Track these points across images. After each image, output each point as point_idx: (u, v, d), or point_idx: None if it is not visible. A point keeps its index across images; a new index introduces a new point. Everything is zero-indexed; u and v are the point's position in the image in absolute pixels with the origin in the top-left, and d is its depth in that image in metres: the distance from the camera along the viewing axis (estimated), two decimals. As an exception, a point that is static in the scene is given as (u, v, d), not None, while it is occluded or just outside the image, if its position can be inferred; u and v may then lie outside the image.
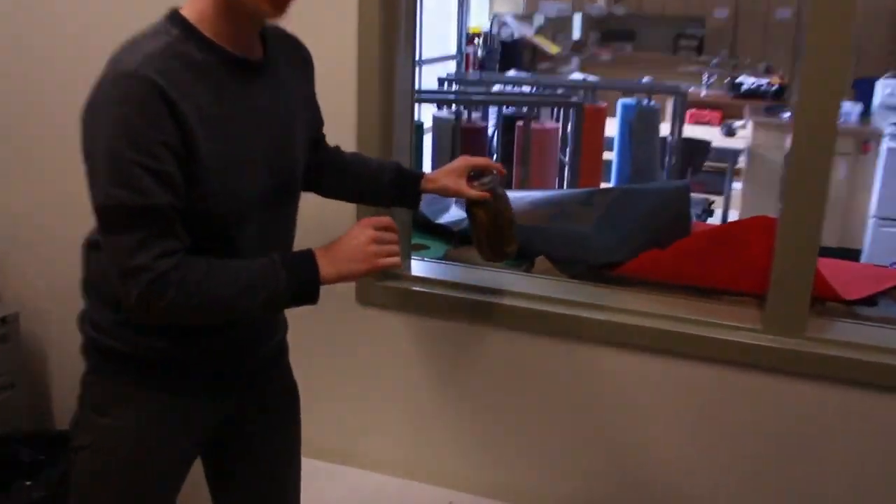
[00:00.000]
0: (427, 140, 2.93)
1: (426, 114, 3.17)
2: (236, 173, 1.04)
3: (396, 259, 1.11)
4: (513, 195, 2.13)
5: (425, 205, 2.06)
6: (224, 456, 1.25)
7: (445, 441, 1.77)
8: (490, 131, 3.16)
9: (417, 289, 1.73)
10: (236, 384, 1.20)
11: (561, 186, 3.07)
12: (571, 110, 3.04)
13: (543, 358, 1.67)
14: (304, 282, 1.05)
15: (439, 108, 2.99)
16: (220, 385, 1.17)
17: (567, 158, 3.08)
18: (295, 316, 1.73)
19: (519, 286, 1.73)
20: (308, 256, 1.07)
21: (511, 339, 1.68)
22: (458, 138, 2.68)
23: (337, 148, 1.42)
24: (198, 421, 1.16)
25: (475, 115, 3.03)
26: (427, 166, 2.90)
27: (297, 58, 1.20)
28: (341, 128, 1.64)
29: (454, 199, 2.13)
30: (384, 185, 1.36)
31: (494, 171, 1.38)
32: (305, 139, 1.21)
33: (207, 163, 0.99)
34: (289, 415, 1.32)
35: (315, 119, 1.30)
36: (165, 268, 0.97)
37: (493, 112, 3.40)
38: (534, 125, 2.91)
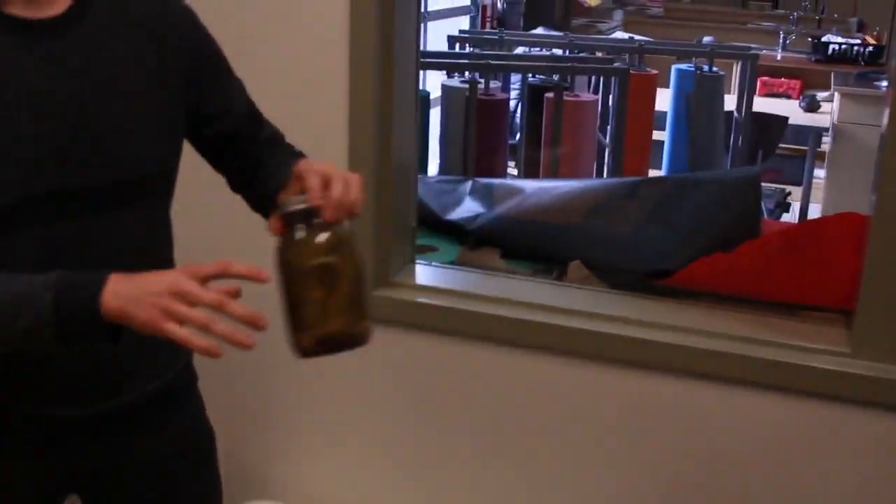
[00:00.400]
0: (434, 115, 2.95)
1: (433, 82, 3.19)
2: None
3: (184, 334, 0.95)
4: (540, 186, 2.16)
5: (433, 198, 2.10)
6: None
7: (454, 489, 1.79)
8: (512, 104, 3.18)
9: (422, 300, 1.76)
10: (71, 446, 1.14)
11: (600, 175, 3.08)
12: (614, 78, 3.06)
13: (581, 387, 1.69)
14: (74, 309, 0.94)
15: (449, 75, 3.00)
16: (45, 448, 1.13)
17: (608, 139, 3.09)
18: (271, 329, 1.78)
19: (549, 298, 1.75)
20: (94, 280, 0.96)
21: (539, 363, 1.70)
22: (473, 113, 2.70)
23: (271, 141, 1.29)
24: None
25: (493, 83, 3.05)
26: (434, 148, 2.92)
27: (149, 14, 1.11)
28: (329, 100, 1.66)
29: (468, 190, 2.16)
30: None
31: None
32: (157, 125, 1.11)
33: None
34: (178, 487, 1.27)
35: (201, 100, 1.17)
36: None
37: (515, 80, 3.41)
38: (566, 97, 2.93)
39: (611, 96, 3.09)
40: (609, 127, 3.08)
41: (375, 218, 1.72)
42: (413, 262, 1.85)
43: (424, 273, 1.85)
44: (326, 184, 1.03)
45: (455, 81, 2.94)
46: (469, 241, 2.01)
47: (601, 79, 3.22)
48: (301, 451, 1.91)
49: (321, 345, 1.01)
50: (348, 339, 1.02)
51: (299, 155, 1.25)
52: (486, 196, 2.09)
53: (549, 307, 1.71)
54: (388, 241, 1.76)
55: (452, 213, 2.08)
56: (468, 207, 2.09)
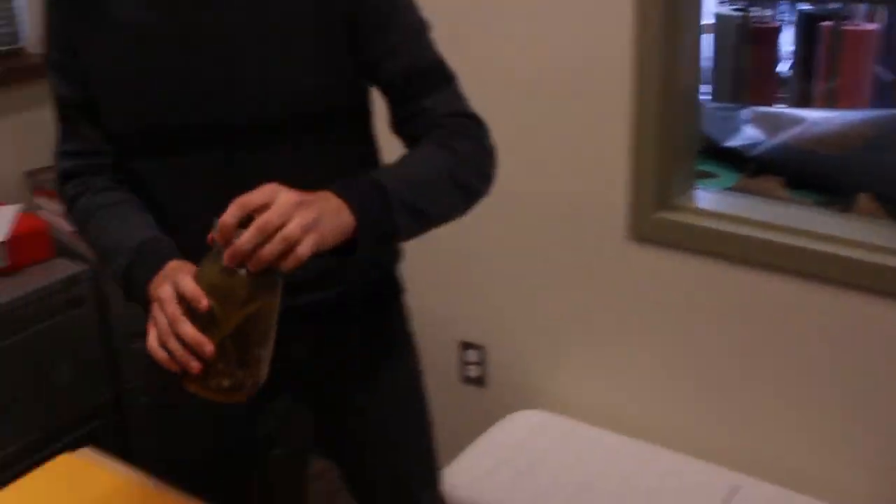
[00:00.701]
0: (706, 43, 2.88)
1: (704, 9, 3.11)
2: (132, 91, 1.09)
3: (150, 342, 0.93)
4: (823, 115, 2.06)
5: (711, 124, 2.08)
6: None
7: (729, 412, 1.81)
8: (785, 33, 3.04)
9: (703, 224, 1.76)
10: None
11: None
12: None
13: (871, 322, 1.64)
14: (132, 283, 1.05)
15: (721, 2, 2.92)
16: None
17: (887, 72, 2.88)
18: (552, 247, 1.87)
19: (835, 228, 1.70)
20: (157, 263, 1.02)
21: (827, 295, 1.66)
22: (745, 42, 2.61)
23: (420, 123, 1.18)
24: None
25: (765, 12, 2.93)
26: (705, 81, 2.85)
27: None
28: (613, 27, 1.69)
29: (746, 118, 2.12)
30: None
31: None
32: (310, 64, 1.10)
33: (97, 65, 1.11)
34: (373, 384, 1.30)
35: (364, 45, 1.11)
36: (64, 169, 1.18)
37: (783, 8, 3.25)
38: (844, 26, 2.76)
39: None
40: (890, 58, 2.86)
41: (659, 141, 1.74)
42: (693, 188, 1.85)
43: (705, 198, 1.84)
44: (246, 221, 0.90)
45: (727, 9, 2.85)
46: (749, 168, 1.98)
47: (887, 9, 2.98)
48: (568, 364, 1.99)
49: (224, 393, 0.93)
50: (203, 392, 0.93)
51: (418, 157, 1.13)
52: (767, 124, 2.05)
53: (838, 238, 1.66)
54: (670, 165, 1.77)
55: (731, 139, 2.05)
56: (748, 135, 2.05)
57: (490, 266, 2.02)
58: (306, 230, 0.89)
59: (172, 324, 0.90)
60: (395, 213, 1.00)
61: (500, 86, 1.84)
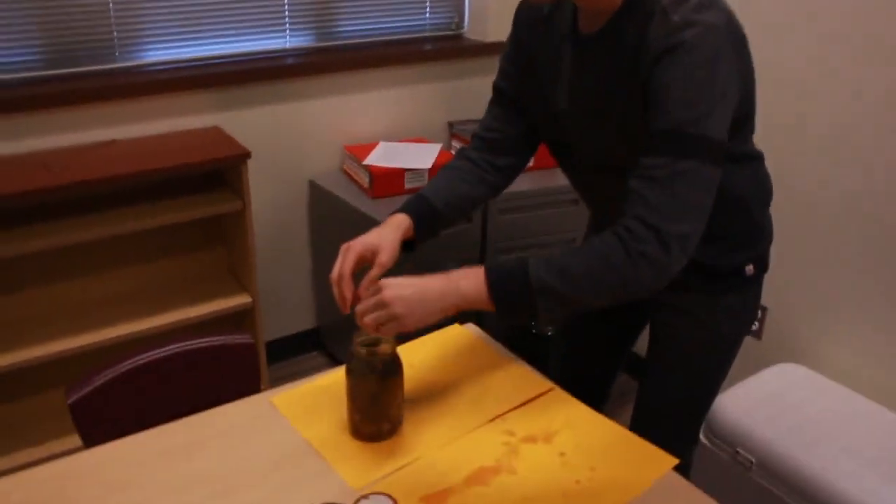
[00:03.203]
0: None
1: None
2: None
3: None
4: None
5: None
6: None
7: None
8: None
9: None
10: None
11: None
12: None
13: None
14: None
15: None
16: None
17: None
18: (849, 236, 2.13)
19: None
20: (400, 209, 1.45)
21: None
22: None
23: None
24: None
25: None
26: None
27: (648, 38, 1.20)
28: None
29: None
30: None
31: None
32: (621, 127, 1.29)
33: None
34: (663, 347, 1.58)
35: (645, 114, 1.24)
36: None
37: None
38: None
39: None
40: None
41: None
42: None
43: None
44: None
45: None
46: None
47: None
48: (835, 333, 2.25)
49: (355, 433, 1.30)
50: (364, 437, 1.29)
51: None
52: None
53: None
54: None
55: None
56: None
57: (792, 242, 2.33)
58: (377, 324, 1.20)
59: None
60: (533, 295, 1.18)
61: (848, 73, 2.15)
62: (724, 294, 1.50)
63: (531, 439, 1.29)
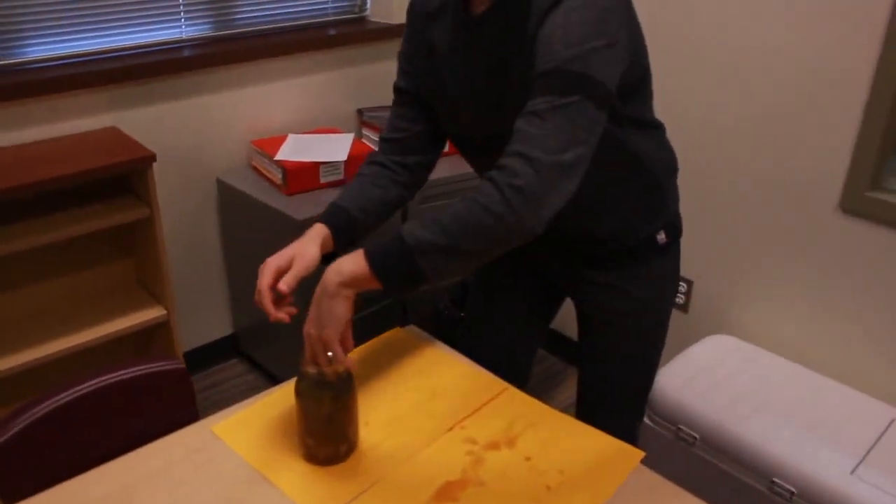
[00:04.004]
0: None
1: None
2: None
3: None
4: None
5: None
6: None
7: (863, 345, 2.04)
8: None
9: (904, 202, 1.99)
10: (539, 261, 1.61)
11: None
12: None
13: None
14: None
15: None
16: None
17: None
18: (771, 208, 2.18)
19: None
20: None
21: None
22: None
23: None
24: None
25: None
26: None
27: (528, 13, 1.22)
28: (863, 29, 1.94)
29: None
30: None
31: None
32: (515, 99, 1.27)
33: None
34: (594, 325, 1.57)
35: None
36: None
37: None
38: None
39: None
40: None
41: (883, 132, 1.98)
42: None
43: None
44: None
45: None
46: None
47: None
48: (762, 303, 2.29)
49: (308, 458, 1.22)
50: (319, 461, 1.21)
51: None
52: None
53: None
54: (887, 153, 2.01)
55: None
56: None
57: (712, 213, 2.37)
58: (315, 349, 1.18)
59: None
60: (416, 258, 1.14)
61: (759, 66, 2.17)
62: (643, 264, 1.50)
63: (494, 446, 1.24)
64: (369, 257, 1.15)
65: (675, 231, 1.52)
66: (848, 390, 2.03)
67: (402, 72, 1.47)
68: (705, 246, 2.37)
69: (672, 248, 1.53)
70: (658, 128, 1.44)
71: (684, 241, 2.41)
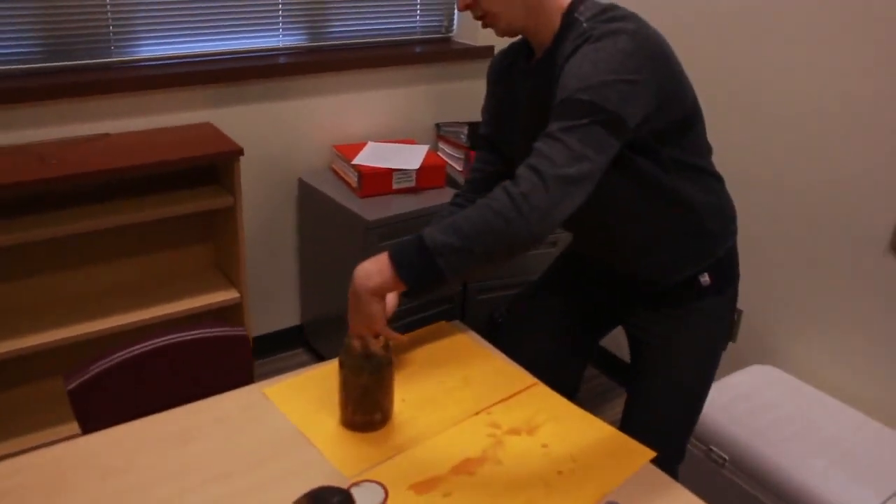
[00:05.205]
0: None
1: None
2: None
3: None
4: None
5: None
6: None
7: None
8: None
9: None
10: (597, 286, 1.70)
11: None
12: None
13: None
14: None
15: None
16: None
17: None
18: (822, 243, 2.20)
19: None
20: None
21: None
22: None
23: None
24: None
25: None
26: None
27: (565, 55, 1.36)
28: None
29: None
30: None
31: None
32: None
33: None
34: (655, 353, 1.61)
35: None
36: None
37: None
38: None
39: None
40: None
41: None
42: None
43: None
44: None
45: None
46: None
47: None
48: (807, 337, 2.31)
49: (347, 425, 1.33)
50: (355, 427, 1.32)
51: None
52: None
53: None
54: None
55: None
56: None
57: (766, 248, 2.40)
58: (349, 323, 1.34)
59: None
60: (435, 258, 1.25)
61: (813, 111, 2.22)
62: (689, 303, 1.56)
63: (515, 431, 1.33)
64: (393, 261, 1.27)
65: (723, 274, 1.57)
66: (886, 430, 2.03)
67: (483, 121, 1.66)
68: (757, 277, 2.40)
69: (722, 290, 1.58)
70: (712, 175, 1.51)
71: (744, 272, 2.45)
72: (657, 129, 1.36)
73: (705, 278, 1.54)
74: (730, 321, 1.62)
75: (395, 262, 1.27)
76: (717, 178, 1.53)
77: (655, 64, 1.30)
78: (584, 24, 1.32)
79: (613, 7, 1.33)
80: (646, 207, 1.46)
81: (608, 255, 1.57)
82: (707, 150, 1.49)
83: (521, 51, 1.53)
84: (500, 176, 1.66)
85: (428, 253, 1.24)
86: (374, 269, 1.29)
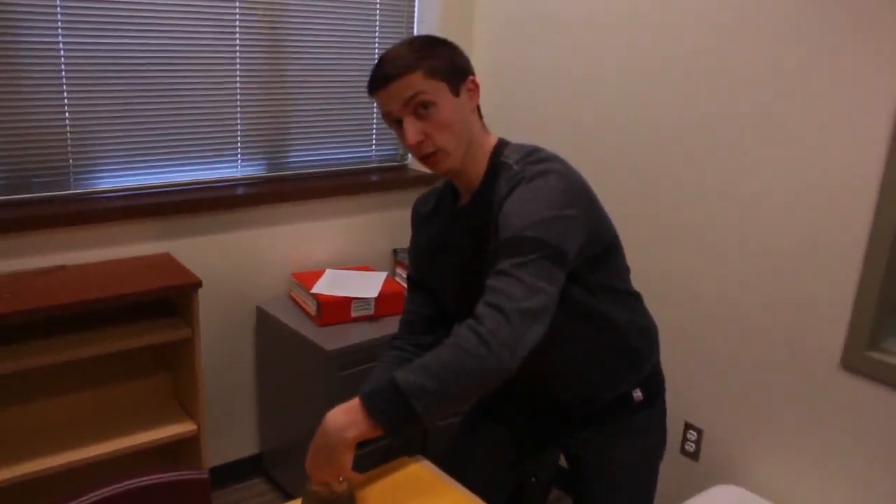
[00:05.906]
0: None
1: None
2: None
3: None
4: None
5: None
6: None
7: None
8: None
9: (905, 367, 2.03)
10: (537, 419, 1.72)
11: None
12: None
13: None
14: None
15: None
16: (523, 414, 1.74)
17: None
18: (775, 363, 2.24)
19: None
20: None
21: None
22: None
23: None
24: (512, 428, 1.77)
25: None
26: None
27: (498, 196, 1.43)
28: (854, 197, 2.06)
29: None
30: None
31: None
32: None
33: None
34: (593, 476, 1.67)
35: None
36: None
37: None
38: None
39: None
40: None
41: (879, 298, 2.04)
42: (904, 335, 2.13)
43: (913, 345, 2.10)
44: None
45: None
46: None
47: None
48: (768, 455, 2.31)
49: None
50: None
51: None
52: None
53: None
54: (885, 316, 2.09)
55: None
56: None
57: (722, 366, 2.43)
58: (311, 470, 1.34)
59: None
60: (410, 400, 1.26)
61: (764, 233, 2.30)
62: (622, 419, 1.64)
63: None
64: (366, 407, 1.27)
65: (653, 388, 1.66)
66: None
67: (411, 263, 1.71)
68: (716, 396, 2.42)
69: (653, 403, 1.67)
70: (631, 295, 1.61)
71: (696, 390, 2.47)
72: (588, 256, 1.45)
73: (637, 394, 1.63)
74: (664, 429, 1.70)
75: (369, 407, 1.27)
76: (636, 297, 1.63)
77: (583, 199, 1.40)
78: (515, 167, 1.40)
79: (537, 150, 1.44)
80: (578, 331, 1.53)
81: (544, 379, 1.62)
82: (626, 271, 1.60)
83: (444, 195, 1.60)
84: (434, 317, 1.69)
85: (403, 396, 1.25)
86: (348, 420, 1.28)
